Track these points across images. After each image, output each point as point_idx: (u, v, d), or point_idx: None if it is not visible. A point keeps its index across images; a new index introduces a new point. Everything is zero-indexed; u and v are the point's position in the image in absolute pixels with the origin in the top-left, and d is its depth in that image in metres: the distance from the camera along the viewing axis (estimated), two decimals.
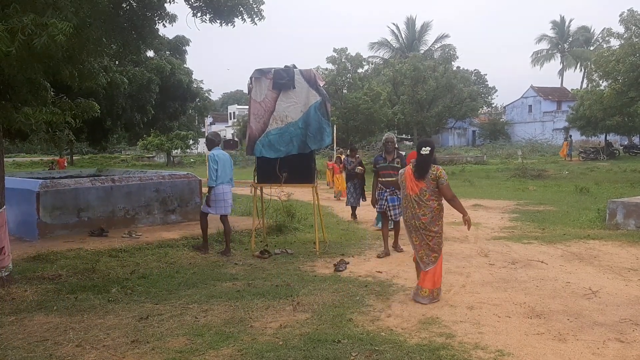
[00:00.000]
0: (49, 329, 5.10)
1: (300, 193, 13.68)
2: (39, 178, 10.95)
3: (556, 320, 5.24)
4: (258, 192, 9.00)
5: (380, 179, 8.32)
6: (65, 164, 30.15)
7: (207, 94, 22.94)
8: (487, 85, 66.84)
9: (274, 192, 9.45)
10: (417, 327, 5.08)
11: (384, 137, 8.54)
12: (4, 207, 6.30)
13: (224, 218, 8.45)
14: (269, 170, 8.54)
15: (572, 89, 48.84)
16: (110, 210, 9.83)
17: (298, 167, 8.49)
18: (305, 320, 5.28)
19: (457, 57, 36.66)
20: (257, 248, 8.53)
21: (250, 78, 8.50)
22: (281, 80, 8.37)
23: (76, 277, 6.82)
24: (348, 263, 7.64)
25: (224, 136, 75.81)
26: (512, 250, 8.54)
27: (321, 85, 8.54)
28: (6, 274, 6.21)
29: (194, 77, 17.25)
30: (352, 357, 4.35)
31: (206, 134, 9.85)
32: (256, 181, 8.73)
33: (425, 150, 5.92)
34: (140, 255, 8.04)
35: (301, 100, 8.38)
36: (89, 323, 5.23)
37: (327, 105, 8.47)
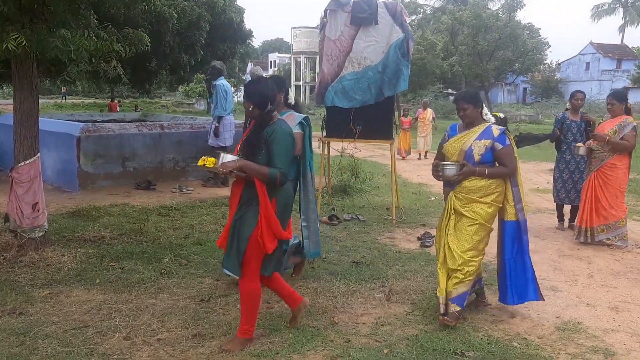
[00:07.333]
0: (90, 309, 4.11)
1: (363, 149, 12.37)
2: (80, 121, 9.97)
3: None
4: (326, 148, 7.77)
5: None
6: (118, 109, 28.25)
7: (249, 40, 21.36)
8: (541, 40, 63.14)
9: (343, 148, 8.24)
10: (557, 336, 3.89)
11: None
12: (38, 154, 5.26)
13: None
14: (341, 123, 7.22)
15: (632, 47, 45.28)
16: (158, 161, 8.79)
17: (375, 120, 7.18)
18: (405, 315, 4.17)
19: (524, 5, 33.58)
20: (324, 213, 7.38)
21: (325, 11, 7.13)
22: (361, 14, 6.96)
23: (121, 239, 5.81)
24: (434, 236, 6.43)
25: None
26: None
27: (407, 21, 7.15)
28: (40, 234, 5.21)
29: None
30: None
31: (212, 65, 9.07)
32: (325, 135, 7.50)
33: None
34: (193, 215, 6.99)
35: (383, 38, 6.99)
36: (139, 304, 4.23)
37: (409, 43, 7.05)
